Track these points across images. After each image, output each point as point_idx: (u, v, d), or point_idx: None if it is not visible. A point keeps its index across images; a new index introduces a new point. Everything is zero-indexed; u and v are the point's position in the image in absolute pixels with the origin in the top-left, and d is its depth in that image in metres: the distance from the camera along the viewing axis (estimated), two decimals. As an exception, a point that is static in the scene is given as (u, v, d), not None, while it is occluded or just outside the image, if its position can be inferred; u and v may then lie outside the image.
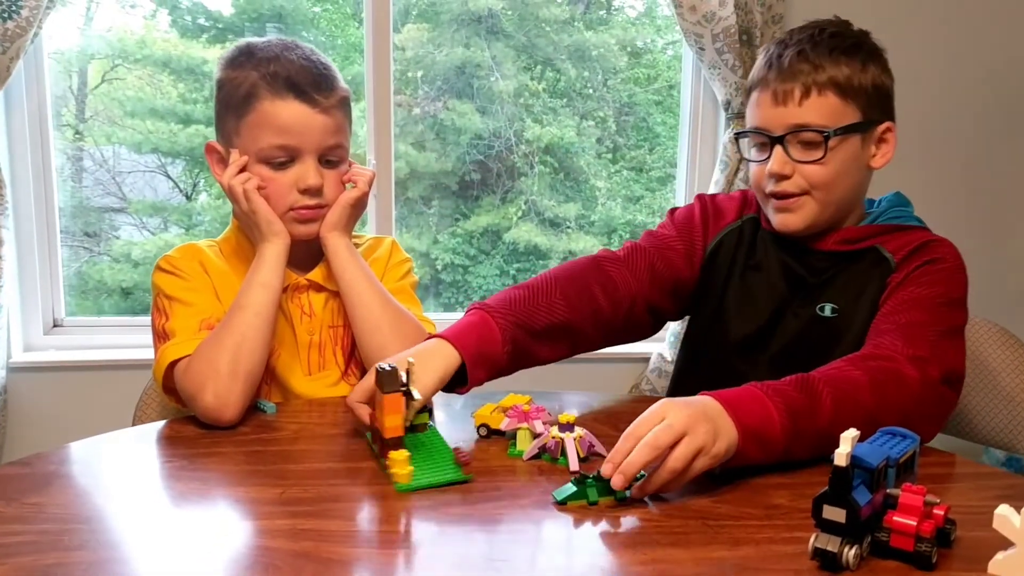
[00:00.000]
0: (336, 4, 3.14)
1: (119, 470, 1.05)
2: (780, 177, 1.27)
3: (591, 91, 3.24)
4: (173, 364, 1.20)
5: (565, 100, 3.19)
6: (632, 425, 0.96)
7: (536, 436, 1.07)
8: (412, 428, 1.05)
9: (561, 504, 0.92)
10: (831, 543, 0.80)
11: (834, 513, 0.80)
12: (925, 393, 1.10)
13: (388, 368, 0.99)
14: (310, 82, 1.25)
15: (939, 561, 0.81)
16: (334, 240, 1.30)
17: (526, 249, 3.21)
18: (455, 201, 3.19)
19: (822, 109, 1.24)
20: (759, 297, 1.35)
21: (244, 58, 1.27)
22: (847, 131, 1.25)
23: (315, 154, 1.27)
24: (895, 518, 0.82)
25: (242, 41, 1.31)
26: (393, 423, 0.99)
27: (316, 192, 1.27)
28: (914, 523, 0.81)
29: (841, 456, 0.80)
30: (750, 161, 1.34)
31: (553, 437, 1.04)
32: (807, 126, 1.25)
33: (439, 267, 3.21)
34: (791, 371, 1.08)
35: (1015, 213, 2.52)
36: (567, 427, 1.05)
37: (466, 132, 3.06)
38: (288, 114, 1.24)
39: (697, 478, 0.96)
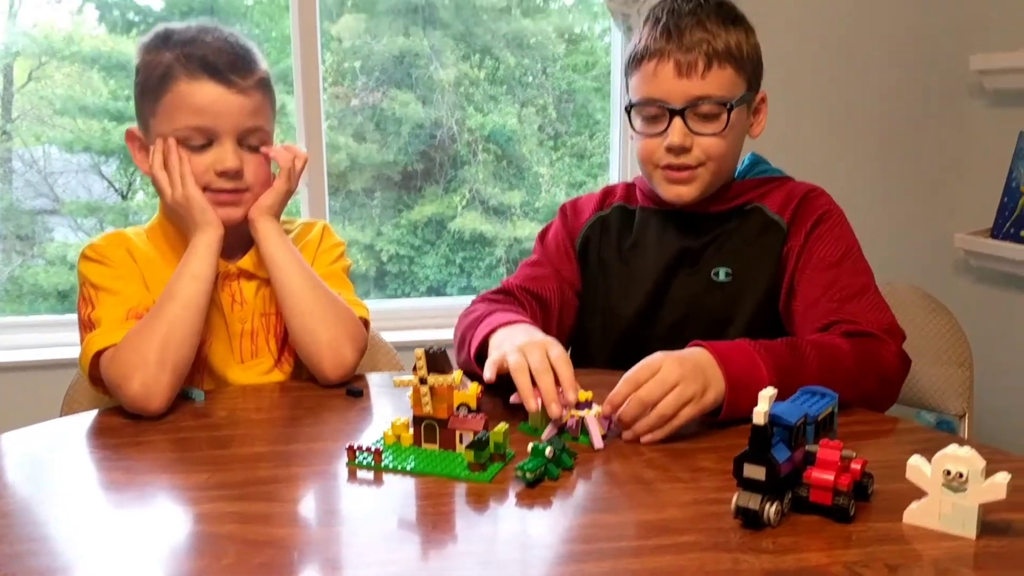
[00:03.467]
0: (269, -2, 3.10)
1: (41, 462, 1.02)
2: (681, 150, 1.26)
3: (530, 79, 3.22)
4: (99, 354, 1.17)
5: (505, 88, 3.16)
6: (630, 371, 1.03)
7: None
8: None
9: (525, 477, 0.91)
10: (752, 500, 0.81)
11: (754, 471, 0.82)
12: (899, 363, 1.17)
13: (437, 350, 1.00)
14: (227, 63, 1.22)
15: (857, 513, 0.83)
16: (264, 224, 1.27)
17: (472, 238, 3.19)
18: (398, 192, 3.15)
19: (722, 81, 1.25)
20: (643, 271, 1.36)
21: (160, 41, 1.25)
22: (741, 101, 1.28)
23: (233, 136, 1.24)
24: (813, 473, 0.84)
25: (160, 26, 1.28)
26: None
27: (234, 175, 1.25)
28: (831, 477, 0.83)
29: (759, 415, 0.81)
30: (640, 134, 1.32)
31: (572, 415, 1.03)
32: (709, 97, 1.25)
33: (384, 259, 3.16)
34: (690, 339, 1.11)
35: (933, 184, 2.59)
36: (585, 405, 1.04)
37: (407, 122, 3.02)
38: (203, 95, 1.22)
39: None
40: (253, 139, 1.27)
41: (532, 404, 1.02)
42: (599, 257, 1.41)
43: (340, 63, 3.00)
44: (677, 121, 1.26)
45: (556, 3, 3.24)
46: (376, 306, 2.62)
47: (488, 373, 1.08)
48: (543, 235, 1.47)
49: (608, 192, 1.46)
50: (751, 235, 1.32)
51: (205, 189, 1.24)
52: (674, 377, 1.00)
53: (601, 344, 1.40)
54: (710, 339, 1.10)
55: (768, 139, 1.45)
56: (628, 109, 1.32)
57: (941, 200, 2.59)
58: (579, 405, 1.04)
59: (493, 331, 1.18)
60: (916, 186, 2.58)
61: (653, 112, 1.28)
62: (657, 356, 1.03)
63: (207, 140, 1.24)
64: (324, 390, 1.25)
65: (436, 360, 0.98)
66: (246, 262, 1.31)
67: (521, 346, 1.08)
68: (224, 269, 1.29)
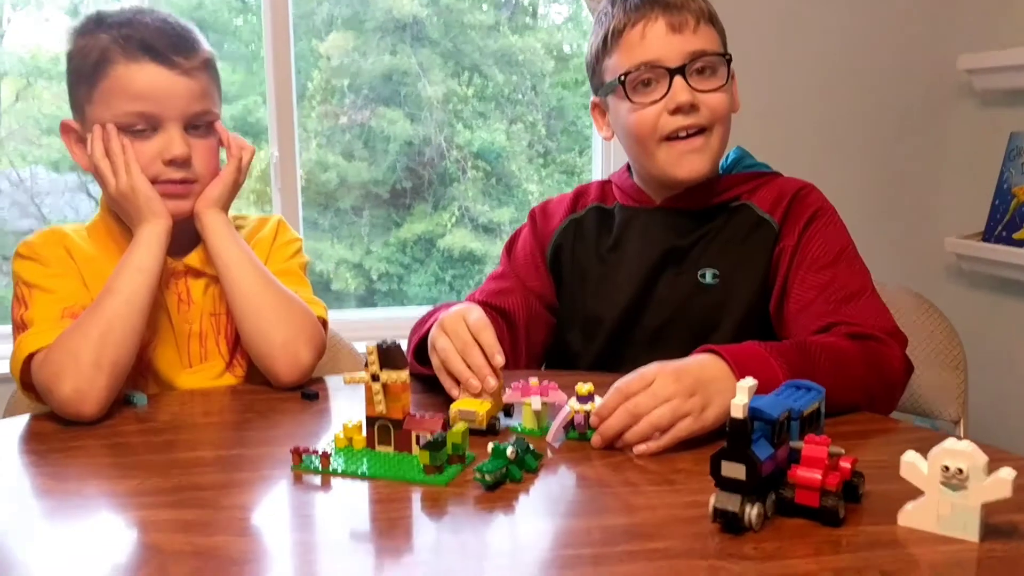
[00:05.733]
0: (259, 15, 3.09)
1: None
2: (690, 108, 1.20)
3: (520, 96, 3.22)
4: (32, 357, 1.09)
5: (494, 105, 3.14)
6: (621, 380, 0.95)
7: (536, 413, 0.99)
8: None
9: (484, 479, 0.83)
10: (731, 502, 0.74)
11: (733, 469, 0.74)
12: (903, 368, 1.12)
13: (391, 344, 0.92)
14: (168, 44, 1.15)
15: (847, 516, 0.76)
16: (211, 217, 1.20)
17: (461, 255, 3.15)
18: (387, 210, 3.12)
19: (710, 38, 1.22)
20: (625, 273, 1.29)
21: (94, 25, 1.18)
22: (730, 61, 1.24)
23: (180, 122, 1.17)
24: (799, 472, 0.76)
25: (92, 11, 1.21)
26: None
27: (183, 163, 1.17)
28: (819, 476, 0.75)
29: (738, 407, 0.74)
30: (635, 103, 1.22)
31: (576, 411, 0.95)
32: (705, 52, 1.20)
33: (373, 277, 3.13)
34: (676, 344, 1.07)
35: (922, 188, 2.56)
36: (587, 398, 0.96)
37: (395, 140, 3.00)
38: (145, 78, 1.14)
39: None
40: (201, 124, 1.19)
41: (474, 384, 0.98)
42: (574, 263, 1.34)
43: (328, 81, 2.97)
44: (678, 80, 1.19)
45: (545, 21, 3.23)
46: (366, 315, 2.69)
47: (454, 391, 1.02)
48: (511, 245, 1.39)
49: (581, 192, 1.39)
50: (740, 234, 1.26)
51: (153, 182, 1.17)
52: (668, 392, 0.92)
53: (582, 352, 1.32)
54: (696, 344, 1.03)
55: (754, 142, 1.39)
56: (617, 85, 1.23)
57: (931, 204, 2.55)
58: (581, 398, 0.96)
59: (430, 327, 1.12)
60: (905, 190, 2.54)
61: (647, 78, 1.21)
62: (652, 367, 0.95)
63: (150, 126, 1.16)
64: (277, 393, 1.17)
65: (390, 355, 0.91)
66: (193, 259, 1.23)
67: (442, 325, 1.05)
68: (170, 266, 1.21)
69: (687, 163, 1.23)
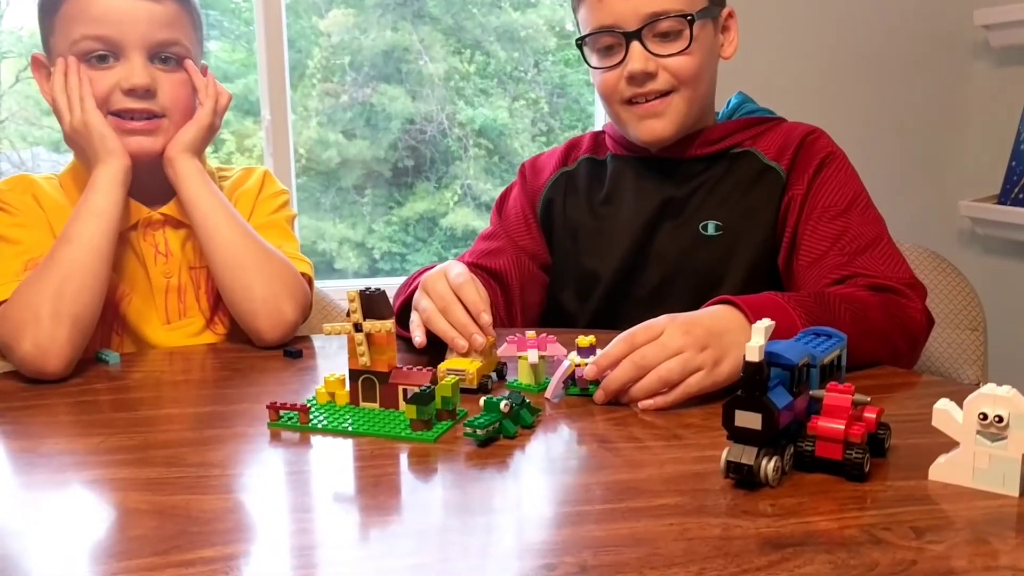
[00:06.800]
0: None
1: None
2: (644, 77, 1.13)
3: (522, 73, 3.19)
4: None
5: (496, 82, 3.11)
6: (628, 331, 0.88)
7: (533, 367, 0.92)
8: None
9: (476, 435, 0.77)
10: (746, 455, 0.67)
11: (748, 419, 0.68)
12: (924, 320, 1.07)
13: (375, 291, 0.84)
14: None
15: (872, 471, 0.69)
16: (183, 163, 1.12)
17: (464, 234, 3.12)
18: (389, 189, 3.10)
19: None
20: (620, 227, 1.22)
21: None
22: (704, 15, 1.15)
23: (143, 50, 1.09)
24: (820, 423, 0.69)
25: None
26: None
27: (144, 94, 1.09)
28: (841, 427, 0.69)
29: (753, 350, 0.67)
30: (596, 69, 1.18)
31: (578, 365, 0.88)
32: (665, 12, 1.12)
33: (376, 256, 3.12)
34: (678, 300, 1.02)
35: (935, 150, 2.48)
36: (589, 351, 0.89)
37: (397, 117, 2.97)
38: (105, 1, 1.07)
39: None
40: (167, 53, 1.12)
41: (460, 343, 0.92)
42: (566, 218, 1.27)
43: (329, 59, 2.94)
44: (635, 46, 1.12)
45: (548, -2, 3.19)
46: (365, 283, 2.55)
47: (416, 337, 0.96)
48: (500, 203, 1.33)
49: (573, 145, 1.32)
50: (744, 183, 1.19)
51: (113, 114, 1.09)
52: (677, 344, 0.86)
53: (578, 313, 1.26)
54: (699, 300, 0.96)
55: (762, 98, 1.32)
56: (579, 45, 1.19)
57: (944, 166, 2.47)
58: (583, 351, 0.89)
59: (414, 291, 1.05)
60: (917, 152, 2.46)
61: (607, 42, 1.15)
62: (661, 318, 0.89)
63: (111, 53, 1.09)
64: (259, 351, 1.11)
65: (373, 303, 0.84)
66: (172, 207, 1.16)
67: (424, 286, 0.98)
68: (146, 216, 1.14)
69: (647, 126, 1.17)
